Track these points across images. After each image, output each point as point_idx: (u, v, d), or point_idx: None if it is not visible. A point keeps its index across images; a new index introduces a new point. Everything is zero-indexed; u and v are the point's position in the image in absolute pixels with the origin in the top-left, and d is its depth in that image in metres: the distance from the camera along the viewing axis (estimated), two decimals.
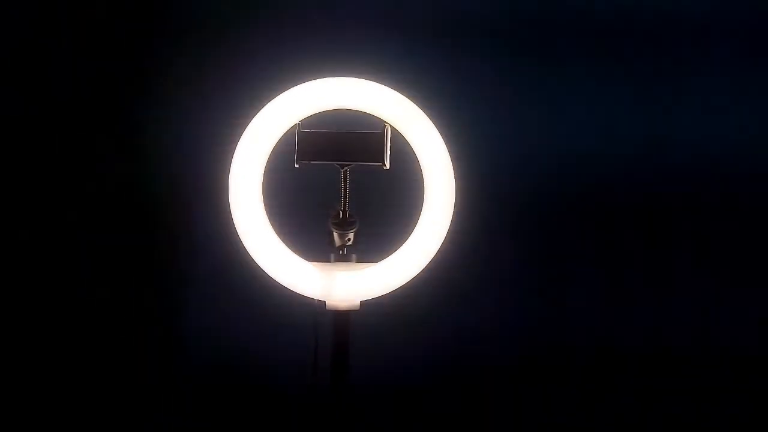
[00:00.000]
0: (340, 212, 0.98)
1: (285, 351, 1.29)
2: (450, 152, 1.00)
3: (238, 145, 0.99)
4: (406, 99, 0.99)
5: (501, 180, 1.48)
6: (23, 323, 1.45)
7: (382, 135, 0.94)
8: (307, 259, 1.02)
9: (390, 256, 1.02)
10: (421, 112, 0.99)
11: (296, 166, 0.93)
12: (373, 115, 1.00)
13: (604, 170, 1.56)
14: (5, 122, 1.46)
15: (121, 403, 1.47)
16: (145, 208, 1.50)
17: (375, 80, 0.99)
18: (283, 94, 1.00)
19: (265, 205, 1.02)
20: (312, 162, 0.93)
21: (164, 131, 1.50)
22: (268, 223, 1.02)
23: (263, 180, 1.01)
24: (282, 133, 1.00)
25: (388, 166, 0.94)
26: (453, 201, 1.00)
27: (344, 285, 0.99)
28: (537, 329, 1.54)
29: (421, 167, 1.02)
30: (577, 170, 1.55)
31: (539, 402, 1.53)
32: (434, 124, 1.00)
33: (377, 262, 1.02)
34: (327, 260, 1.01)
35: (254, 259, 1.01)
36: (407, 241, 1.02)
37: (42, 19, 1.48)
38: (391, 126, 0.97)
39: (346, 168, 0.95)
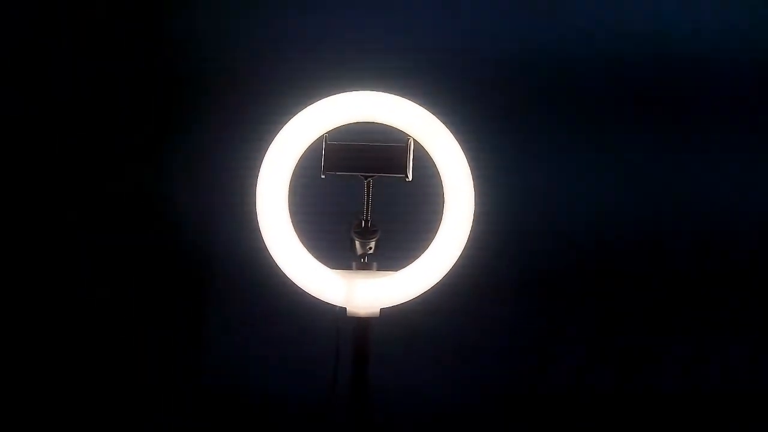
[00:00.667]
0: (363, 221, 1.02)
1: (306, 356, 1.33)
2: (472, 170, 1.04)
3: (266, 155, 1.03)
4: (430, 114, 1.02)
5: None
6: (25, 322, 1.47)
7: (405, 148, 0.97)
8: (329, 267, 1.05)
9: (409, 266, 1.05)
10: (444, 127, 1.02)
11: (322, 176, 0.96)
12: (398, 129, 1.04)
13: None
14: (5, 122, 1.47)
15: (135, 405, 1.48)
16: (168, 214, 1.51)
17: (400, 95, 1.03)
18: (310, 106, 1.04)
19: (290, 213, 1.06)
20: (337, 173, 0.97)
21: (189, 145, 1.53)
22: (293, 230, 1.06)
23: (289, 190, 1.05)
24: (308, 144, 1.04)
25: (410, 177, 0.97)
26: (472, 216, 1.03)
27: (365, 292, 1.02)
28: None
29: (443, 182, 1.05)
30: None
31: None
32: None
33: (397, 270, 1.06)
34: (348, 268, 1.04)
35: (278, 265, 1.04)
36: (426, 251, 1.05)
37: (42, 20, 1.49)
38: (414, 139, 1.00)
39: (369, 179, 0.98)
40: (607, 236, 1.56)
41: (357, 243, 1.00)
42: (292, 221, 1.05)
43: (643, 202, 1.55)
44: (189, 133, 1.49)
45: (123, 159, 1.49)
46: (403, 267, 1.05)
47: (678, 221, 1.55)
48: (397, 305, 1.03)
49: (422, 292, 1.03)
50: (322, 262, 1.05)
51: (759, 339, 1.57)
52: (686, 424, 1.53)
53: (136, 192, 1.48)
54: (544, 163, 1.54)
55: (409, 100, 1.02)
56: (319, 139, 1.01)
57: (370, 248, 1.01)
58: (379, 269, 1.04)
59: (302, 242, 1.06)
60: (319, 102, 1.04)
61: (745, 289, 1.55)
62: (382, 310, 1.03)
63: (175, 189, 1.51)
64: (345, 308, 1.01)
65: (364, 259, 1.02)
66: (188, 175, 1.52)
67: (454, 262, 1.03)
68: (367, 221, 1.01)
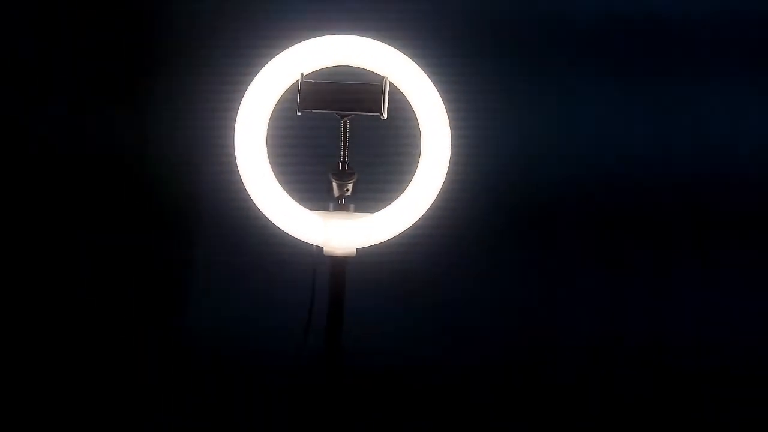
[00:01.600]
0: (340, 163, 1.04)
1: (285, 293, 1.36)
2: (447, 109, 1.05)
3: (244, 97, 1.04)
4: (405, 56, 1.03)
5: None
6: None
7: (380, 86, 0.98)
8: (307, 208, 1.08)
9: (385, 208, 1.07)
10: (419, 69, 1.03)
11: (298, 113, 0.97)
12: (374, 72, 1.04)
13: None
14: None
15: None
16: (151, 157, 1.55)
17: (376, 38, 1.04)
18: (288, 49, 1.04)
19: (269, 156, 1.08)
20: (313, 110, 0.97)
21: (170, 83, 1.55)
22: (272, 173, 1.07)
23: (268, 133, 1.07)
24: (285, 87, 1.04)
25: (385, 116, 0.98)
26: (448, 157, 1.05)
27: (341, 233, 1.04)
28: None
29: (419, 124, 1.07)
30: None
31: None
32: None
33: (374, 212, 1.08)
34: (326, 209, 1.07)
35: (258, 206, 1.07)
36: (402, 193, 1.07)
37: None
38: (389, 80, 1.01)
39: (345, 119, 0.99)
40: (584, 174, 1.61)
41: (334, 185, 1.02)
42: (271, 164, 1.07)
43: (623, 136, 1.58)
44: (169, 76, 1.51)
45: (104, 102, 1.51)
46: (380, 209, 1.08)
47: (661, 158, 1.59)
48: (372, 246, 1.06)
49: (398, 233, 1.06)
50: (300, 204, 1.08)
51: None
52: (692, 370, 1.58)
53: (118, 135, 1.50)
54: (521, 103, 1.58)
55: (385, 43, 1.03)
56: (297, 83, 1.02)
57: (348, 190, 1.03)
58: (356, 211, 1.06)
59: (281, 184, 1.08)
60: (297, 44, 1.05)
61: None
62: (358, 250, 1.06)
63: (155, 132, 1.55)
64: (322, 248, 1.04)
65: (341, 201, 1.04)
66: (170, 117, 1.56)
67: (430, 204, 1.05)
68: (344, 163, 1.03)
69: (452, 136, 1.04)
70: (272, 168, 1.07)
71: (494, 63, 1.55)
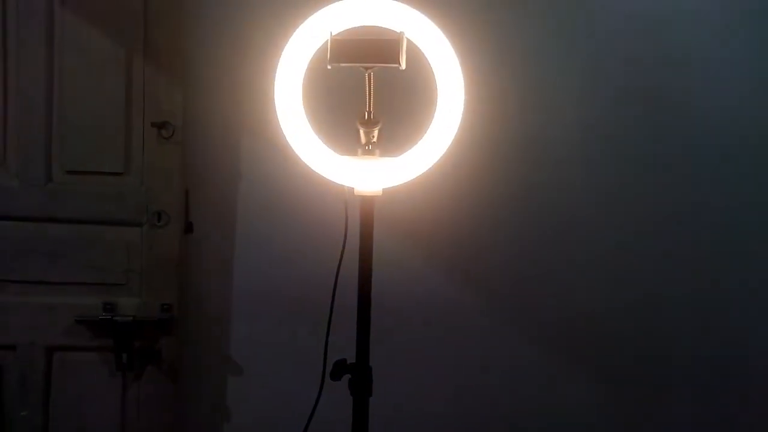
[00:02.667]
0: (366, 113, 1.18)
1: (323, 228, 1.53)
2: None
3: (282, 55, 1.19)
4: (422, 14, 1.15)
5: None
6: None
7: (398, 41, 1.11)
8: (339, 153, 1.23)
9: (406, 152, 1.22)
10: (434, 25, 1.16)
11: (329, 67, 1.11)
12: (393, 30, 1.17)
13: None
14: None
15: None
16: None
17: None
18: (318, 11, 1.18)
19: (306, 108, 1.22)
20: (341, 64, 1.11)
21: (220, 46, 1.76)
22: (308, 123, 1.22)
23: (304, 88, 1.21)
24: (318, 46, 1.19)
25: (403, 66, 1.11)
26: (462, 105, 1.18)
27: (368, 174, 1.19)
28: None
29: (435, 77, 1.19)
30: None
31: None
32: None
33: (397, 156, 1.22)
34: (355, 155, 1.22)
35: (297, 152, 1.23)
36: (421, 139, 1.21)
37: None
38: (406, 36, 1.13)
39: (369, 71, 1.13)
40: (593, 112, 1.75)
41: (361, 132, 1.17)
42: (307, 115, 1.22)
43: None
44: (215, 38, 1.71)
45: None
46: (402, 153, 1.22)
47: None
48: (397, 186, 1.21)
49: (418, 174, 1.20)
50: (333, 150, 1.23)
51: None
52: None
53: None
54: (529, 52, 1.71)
55: (404, 2, 1.16)
56: (326, 42, 1.15)
57: (374, 137, 1.18)
58: (381, 155, 1.21)
59: (316, 133, 1.23)
60: (326, 7, 1.18)
61: None
62: (384, 189, 1.21)
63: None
64: (353, 188, 1.20)
65: (368, 147, 1.19)
66: (217, 77, 1.79)
67: (447, 147, 1.19)
68: (370, 113, 1.17)
69: (465, 86, 1.17)
70: (308, 119, 1.22)
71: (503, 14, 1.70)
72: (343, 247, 1.21)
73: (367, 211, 1.18)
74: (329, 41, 1.09)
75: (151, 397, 1.79)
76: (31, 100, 1.72)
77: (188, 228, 1.82)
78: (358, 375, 1.18)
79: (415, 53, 1.17)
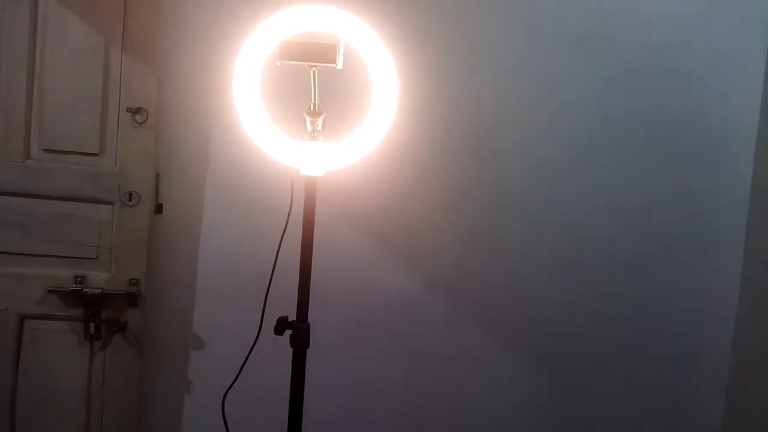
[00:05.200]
0: (312, 105, 1.43)
1: (272, 202, 1.79)
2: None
3: (240, 52, 1.44)
4: (360, 19, 1.42)
5: None
6: None
7: (336, 44, 1.37)
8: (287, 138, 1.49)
9: (346, 138, 1.47)
10: (369, 27, 1.42)
11: (278, 64, 1.36)
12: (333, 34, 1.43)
13: None
14: None
15: None
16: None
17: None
18: (270, 17, 1.44)
19: (262, 100, 1.48)
20: (289, 62, 1.35)
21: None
22: (265, 113, 1.48)
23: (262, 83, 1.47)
24: (272, 46, 1.44)
25: (340, 66, 1.37)
26: (395, 102, 1.44)
27: (313, 158, 1.44)
28: None
29: (371, 75, 1.45)
30: None
31: None
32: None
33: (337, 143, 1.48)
34: (302, 139, 1.47)
35: (250, 137, 1.47)
36: (359, 128, 1.47)
37: None
38: (344, 41, 1.39)
39: (313, 69, 1.38)
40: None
41: (307, 121, 1.42)
42: (264, 107, 1.48)
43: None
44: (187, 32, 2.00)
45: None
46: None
47: None
48: (337, 169, 1.46)
49: (357, 160, 1.46)
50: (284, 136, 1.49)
51: None
52: None
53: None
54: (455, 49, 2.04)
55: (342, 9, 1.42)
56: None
57: (318, 126, 1.43)
58: (324, 142, 1.46)
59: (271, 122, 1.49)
60: (277, 13, 1.44)
61: None
62: (326, 172, 1.46)
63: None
64: (298, 169, 1.45)
65: (314, 134, 1.44)
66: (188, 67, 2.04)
67: (383, 137, 1.44)
68: (315, 105, 1.42)
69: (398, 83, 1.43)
70: (264, 110, 1.47)
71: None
72: (287, 220, 1.47)
73: (311, 191, 1.44)
74: (279, 43, 1.34)
75: (116, 366, 2.03)
76: (13, 82, 1.93)
77: (158, 209, 2.05)
78: (297, 330, 1.43)
79: (356, 55, 1.43)
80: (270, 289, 1.56)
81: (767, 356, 2.19)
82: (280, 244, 1.47)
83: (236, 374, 1.62)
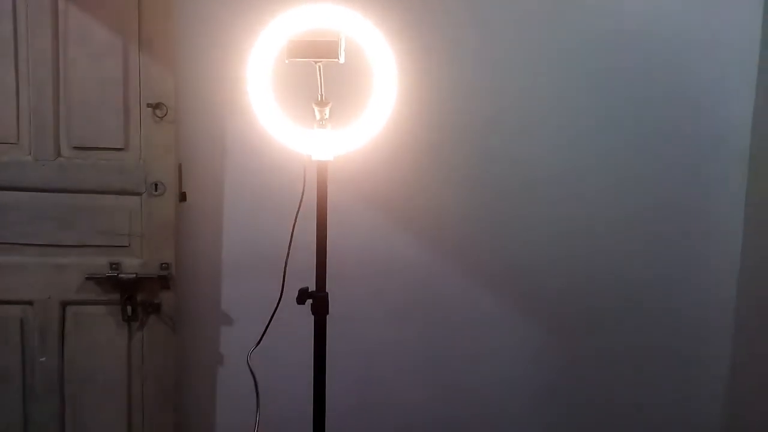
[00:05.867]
0: (319, 95, 1.58)
1: (286, 186, 1.98)
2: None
3: (252, 50, 1.60)
4: (357, 14, 1.57)
5: None
6: None
7: (338, 41, 1.52)
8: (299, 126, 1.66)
9: (352, 124, 1.63)
10: (372, 24, 1.58)
11: (286, 61, 1.52)
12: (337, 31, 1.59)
13: None
14: None
15: None
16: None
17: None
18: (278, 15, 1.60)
19: (274, 93, 1.64)
20: (296, 59, 1.51)
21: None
22: (277, 105, 1.64)
23: (272, 77, 1.63)
24: (281, 44, 1.60)
25: (342, 60, 1.52)
26: (395, 91, 1.60)
27: (322, 144, 1.61)
28: None
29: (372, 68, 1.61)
30: None
31: None
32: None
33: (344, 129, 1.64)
34: (311, 128, 1.62)
35: (264, 127, 1.64)
36: (363, 114, 1.63)
37: None
38: (345, 36, 1.54)
39: (318, 64, 1.53)
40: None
41: (316, 111, 1.58)
42: (276, 99, 1.64)
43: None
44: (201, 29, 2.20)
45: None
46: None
47: None
48: (345, 153, 1.63)
49: (362, 145, 1.62)
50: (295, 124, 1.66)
51: None
52: None
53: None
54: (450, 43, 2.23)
55: (348, 8, 1.58)
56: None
57: (326, 114, 1.59)
58: (332, 129, 1.62)
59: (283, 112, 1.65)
60: (285, 12, 1.60)
61: None
62: (335, 156, 1.62)
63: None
64: (310, 155, 1.61)
65: (322, 122, 1.60)
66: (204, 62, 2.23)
67: (384, 123, 1.60)
68: (322, 95, 1.57)
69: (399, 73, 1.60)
70: (276, 102, 1.64)
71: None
72: (301, 200, 1.64)
73: (322, 174, 1.60)
74: (287, 42, 1.50)
75: (153, 344, 2.23)
76: (40, 85, 2.10)
77: (182, 197, 2.23)
78: (317, 298, 1.61)
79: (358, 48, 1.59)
80: (289, 262, 1.74)
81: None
82: (294, 222, 1.64)
83: (259, 338, 1.79)
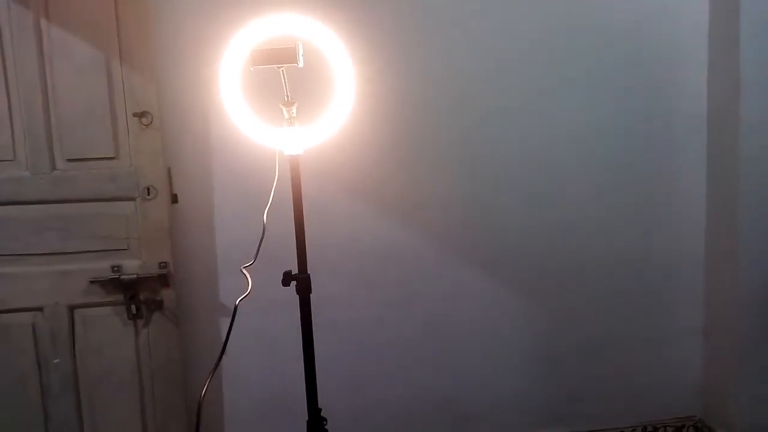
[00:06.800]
0: (285, 96, 1.75)
1: (258, 180, 2.16)
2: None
3: (222, 58, 1.77)
4: (320, 22, 1.75)
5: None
6: None
7: (295, 47, 1.68)
8: (270, 125, 1.83)
9: (316, 121, 1.82)
10: (330, 29, 1.76)
11: (251, 69, 1.69)
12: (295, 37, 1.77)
13: None
14: None
15: None
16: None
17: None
18: (247, 24, 1.77)
19: (245, 96, 1.82)
20: (260, 66, 1.68)
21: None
22: (248, 107, 1.81)
23: (242, 82, 1.80)
24: (246, 53, 1.77)
25: (301, 64, 1.69)
26: (354, 89, 1.77)
27: (292, 139, 1.78)
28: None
29: (332, 69, 1.79)
30: None
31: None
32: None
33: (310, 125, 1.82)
34: (281, 125, 1.80)
35: (237, 126, 1.82)
36: (324, 112, 1.81)
37: None
38: (301, 42, 1.72)
39: (281, 68, 1.70)
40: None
41: (284, 110, 1.75)
42: (247, 101, 1.82)
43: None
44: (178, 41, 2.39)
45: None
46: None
47: None
48: (313, 147, 1.81)
49: (328, 137, 1.80)
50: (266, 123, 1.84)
51: None
52: None
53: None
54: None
55: (308, 16, 1.76)
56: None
57: (293, 113, 1.76)
58: (299, 125, 1.80)
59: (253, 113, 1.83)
60: (249, 23, 1.77)
61: None
62: (305, 150, 1.80)
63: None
64: (282, 150, 1.78)
65: (290, 120, 1.77)
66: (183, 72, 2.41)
67: (345, 119, 1.78)
68: (288, 96, 1.75)
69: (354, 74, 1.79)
70: (248, 105, 1.81)
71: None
72: (273, 190, 1.85)
73: (295, 167, 1.78)
74: (250, 52, 1.66)
75: (159, 339, 2.42)
76: (31, 103, 2.27)
77: (174, 199, 2.41)
78: (299, 280, 1.80)
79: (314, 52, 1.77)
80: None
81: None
82: (267, 208, 1.83)
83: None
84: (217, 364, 1.81)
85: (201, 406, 1.68)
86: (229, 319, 2.49)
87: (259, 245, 1.82)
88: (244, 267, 1.79)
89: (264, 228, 1.81)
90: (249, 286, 1.78)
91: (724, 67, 2.47)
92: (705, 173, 2.63)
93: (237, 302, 1.78)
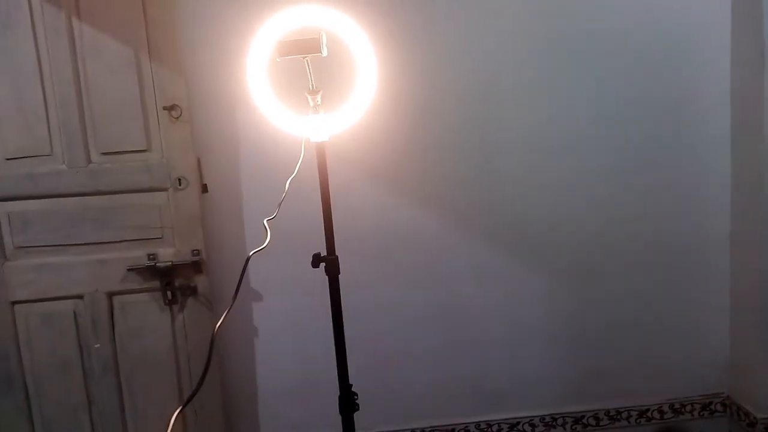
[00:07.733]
0: (310, 85, 1.88)
1: (285, 167, 2.23)
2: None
3: (250, 50, 1.91)
4: (344, 14, 1.88)
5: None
6: None
7: (318, 38, 1.80)
8: (296, 113, 1.96)
9: (340, 108, 1.95)
10: (353, 21, 1.89)
11: (278, 60, 1.81)
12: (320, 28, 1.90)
13: None
14: None
15: None
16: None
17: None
18: (273, 15, 1.90)
19: (272, 87, 1.95)
20: (286, 57, 1.80)
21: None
22: (275, 96, 1.94)
23: (269, 72, 1.93)
24: (272, 44, 1.90)
25: (325, 54, 1.81)
26: (376, 78, 1.91)
27: (318, 126, 1.91)
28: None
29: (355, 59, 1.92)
30: None
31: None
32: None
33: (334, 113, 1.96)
34: (306, 113, 1.93)
35: (265, 116, 1.96)
36: (348, 99, 1.94)
37: None
38: (326, 32, 1.84)
39: (306, 58, 1.82)
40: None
41: (309, 98, 1.88)
42: (274, 91, 1.95)
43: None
44: (205, 35, 2.53)
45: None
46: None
47: None
48: (338, 134, 1.94)
49: (352, 125, 1.92)
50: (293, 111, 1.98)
51: None
52: None
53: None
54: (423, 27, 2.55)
55: (332, 8, 1.89)
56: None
57: (318, 101, 1.88)
58: (324, 113, 1.92)
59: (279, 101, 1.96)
60: (275, 14, 1.90)
61: None
62: (330, 137, 1.92)
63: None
64: (308, 137, 1.91)
65: (315, 108, 1.89)
66: (211, 64, 2.56)
67: (368, 107, 1.90)
68: (313, 85, 1.87)
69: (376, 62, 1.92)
70: (275, 95, 1.95)
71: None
72: (292, 177, 1.98)
73: (321, 153, 1.91)
74: (276, 43, 1.79)
75: (194, 323, 2.57)
76: (66, 100, 2.43)
77: (204, 188, 2.55)
78: (328, 261, 1.93)
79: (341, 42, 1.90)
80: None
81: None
82: (286, 189, 1.96)
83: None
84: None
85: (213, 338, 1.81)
86: (261, 304, 2.67)
87: (281, 202, 1.96)
88: (266, 219, 1.91)
89: (285, 191, 1.96)
90: (267, 239, 1.89)
91: (749, 42, 2.53)
92: (729, 153, 2.69)
93: (251, 254, 1.90)
